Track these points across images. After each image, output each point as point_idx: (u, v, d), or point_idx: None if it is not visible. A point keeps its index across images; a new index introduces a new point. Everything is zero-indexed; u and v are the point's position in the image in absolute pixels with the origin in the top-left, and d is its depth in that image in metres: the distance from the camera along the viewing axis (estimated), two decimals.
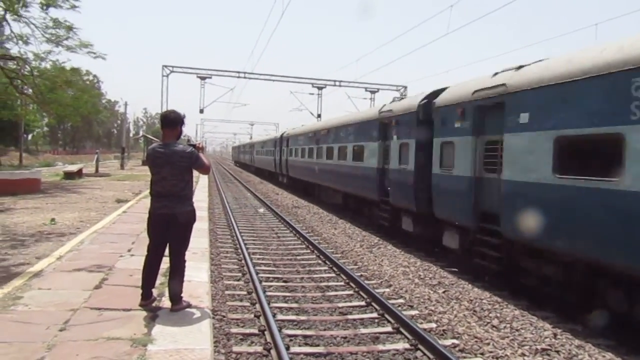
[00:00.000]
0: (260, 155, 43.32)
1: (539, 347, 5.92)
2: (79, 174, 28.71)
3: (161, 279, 5.86)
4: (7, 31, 20.53)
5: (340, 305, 7.43)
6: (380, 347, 5.85)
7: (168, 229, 5.22)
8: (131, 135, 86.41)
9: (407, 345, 5.86)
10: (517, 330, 6.52)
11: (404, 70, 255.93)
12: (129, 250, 8.29)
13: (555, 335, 6.30)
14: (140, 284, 5.42)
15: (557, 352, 5.79)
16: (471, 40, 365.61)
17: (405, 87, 44.32)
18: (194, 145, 5.43)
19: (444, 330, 6.47)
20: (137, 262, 6.66)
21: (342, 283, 8.67)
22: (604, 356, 5.70)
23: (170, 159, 5.18)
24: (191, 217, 5.34)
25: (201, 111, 44.64)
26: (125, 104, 51.15)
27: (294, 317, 6.74)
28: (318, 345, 5.81)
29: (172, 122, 5.35)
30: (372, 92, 44.99)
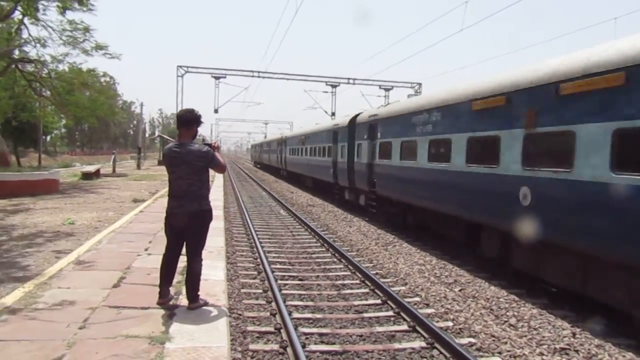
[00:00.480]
0: (302, 156, 29.19)
1: (557, 346, 5.86)
2: (96, 174, 29.09)
3: (178, 278, 5.91)
4: (25, 34, 20.87)
5: (355, 303, 7.42)
6: (397, 345, 5.83)
7: (185, 228, 5.26)
8: (147, 135, 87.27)
9: (423, 344, 5.84)
10: (535, 329, 6.45)
11: (419, 67, 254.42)
12: (146, 249, 8.38)
13: (574, 334, 6.22)
14: (157, 282, 5.48)
15: (577, 351, 5.72)
16: (486, 36, 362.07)
17: (420, 84, 44.04)
18: (209, 145, 5.46)
19: (460, 328, 6.43)
20: (154, 260, 6.74)
21: (358, 281, 8.66)
22: (624, 356, 5.62)
23: (186, 158, 5.21)
24: (208, 216, 5.37)
25: (216, 111, 44.91)
26: (141, 105, 51.80)
27: (309, 315, 6.76)
28: (334, 344, 5.81)
29: (188, 121, 5.38)
30: (387, 90, 44.76)
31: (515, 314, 7.03)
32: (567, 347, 5.84)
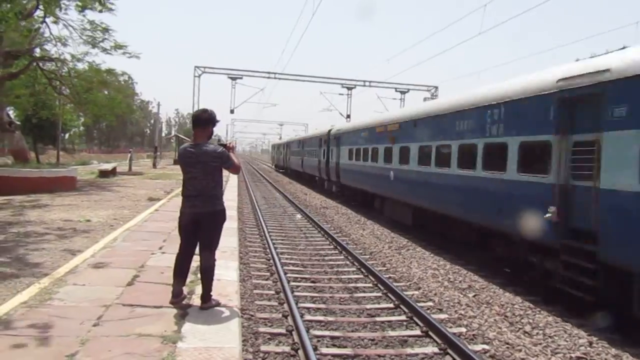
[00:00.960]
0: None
1: (573, 355, 5.76)
2: (113, 172, 29.43)
3: (191, 277, 5.94)
4: (46, 33, 21.20)
5: (368, 307, 7.38)
6: (409, 350, 5.78)
7: (198, 228, 5.28)
8: (163, 134, 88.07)
9: (436, 350, 5.78)
10: (550, 337, 6.35)
11: (436, 70, 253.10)
12: (160, 248, 8.43)
13: (590, 343, 6.11)
14: (171, 281, 5.50)
15: None
16: (505, 39, 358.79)
17: (436, 88, 43.81)
18: (224, 145, 5.48)
19: (474, 335, 6.35)
20: (168, 260, 6.78)
21: (370, 284, 8.62)
22: None
23: (201, 158, 5.23)
24: (221, 217, 5.38)
25: (232, 111, 45.24)
26: (158, 104, 52.24)
27: (321, 318, 6.74)
28: (346, 347, 5.78)
29: (203, 122, 5.39)
30: (402, 93, 44.66)
31: (530, 321, 6.93)
32: (584, 356, 5.74)
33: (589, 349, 5.94)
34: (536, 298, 8.03)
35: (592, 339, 6.22)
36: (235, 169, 5.45)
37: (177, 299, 5.41)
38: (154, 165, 44.71)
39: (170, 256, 5.94)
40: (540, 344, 6.13)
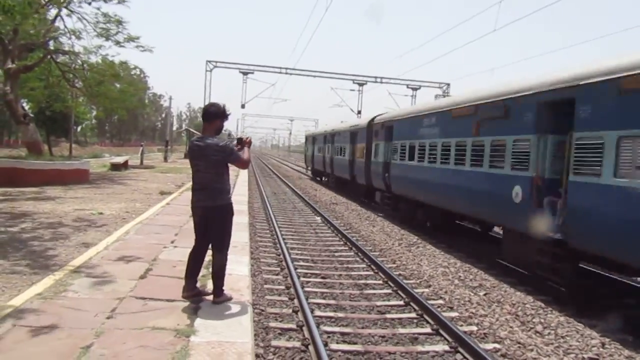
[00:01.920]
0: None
1: (585, 355, 5.73)
2: (124, 165, 29.63)
3: (204, 272, 5.97)
4: (61, 27, 21.34)
5: (378, 303, 7.38)
6: (419, 348, 5.78)
7: (207, 222, 5.30)
8: (174, 129, 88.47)
9: (446, 347, 5.77)
10: (562, 337, 6.32)
11: (449, 67, 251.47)
12: (172, 242, 8.49)
13: (603, 344, 6.07)
14: (183, 275, 5.53)
15: None
16: (519, 37, 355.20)
17: (448, 85, 43.54)
18: (240, 140, 5.48)
19: (485, 333, 6.33)
20: (181, 253, 6.83)
21: (380, 281, 8.61)
22: None
23: (205, 152, 5.22)
24: (227, 211, 5.34)
25: (242, 106, 45.25)
26: (170, 98, 52.35)
27: (331, 314, 6.75)
28: (356, 343, 5.79)
29: (211, 115, 5.37)
30: (414, 89, 44.41)
31: (542, 320, 6.90)
32: (596, 357, 5.71)
33: (601, 349, 5.90)
34: (547, 297, 7.98)
35: (605, 340, 6.18)
36: (241, 163, 5.39)
37: (190, 293, 5.44)
38: (165, 159, 44.95)
39: (182, 250, 5.99)
40: (552, 343, 6.10)
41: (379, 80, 43.87)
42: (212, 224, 5.31)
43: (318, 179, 33.77)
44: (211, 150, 5.22)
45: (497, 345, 5.93)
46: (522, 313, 7.21)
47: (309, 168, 38.39)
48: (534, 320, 6.93)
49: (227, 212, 5.36)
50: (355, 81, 44.89)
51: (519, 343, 6.01)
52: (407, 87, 44.24)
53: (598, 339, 6.21)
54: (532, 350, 5.82)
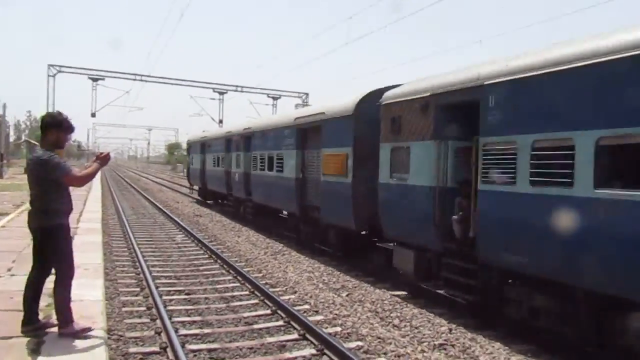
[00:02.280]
0: None
1: (436, 342, 6.26)
2: None
3: (48, 300, 5.35)
4: None
5: (245, 315, 7.30)
6: (287, 355, 5.84)
7: (40, 245, 4.78)
8: (11, 140, 78.45)
9: (313, 351, 5.90)
10: (416, 328, 6.85)
11: (307, 78, 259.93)
12: (9, 270, 7.47)
13: (450, 330, 6.70)
14: (22, 307, 4.89)
15: (453, 345, 6.16)
16: (376, 49, 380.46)
17: (307, 94, 44.93)
18: (97, 156, 5.02)
19: (348, 333, 6.60)
20: (19, 282, 6.01)
21: (247, 292, 8.54)
22: (493, 345, 6.18)
23: (30, 167, 4.75)
24: (55, 234, 4.75)
25: (93, 115, 41.83)
26: (4, 106, 46.32)
27: (198, 331, 6.50)
28: (224, 359, 5.65)
29: (44, 126, 4.87)
30: (274, 99, 45.11)
31: (399, 314, 7.41)
32: (445, 342, 6.27)
33: (449, 335, 6.52)
34: (403, 293, 8.62)
35: (452, 326, 6.84)
36: (71, 179, 4.76)
37: (30, 327, 4.82)
38: (0, 175, 39.67)
39: (21, 278, 5.29)
40: (408, 335, 6.58)
41: (239, 89, 43.76)
42: (44, 247, 4.77)
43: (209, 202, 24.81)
44: (33, 164, 4.71)
45: (360, 343, 6.22)
46: (381, 309, 7.67)
47: (195, 187, 28.46)
48: (391, 315, 7.41)
49: (55, 235, 4.75)
50: (215, 90, 44.20)
51: (379, 338, 6.38)
52: (268, 97, 44.79)
53: (446, 326, 6.85)
54: (390, 343, 6.21)
